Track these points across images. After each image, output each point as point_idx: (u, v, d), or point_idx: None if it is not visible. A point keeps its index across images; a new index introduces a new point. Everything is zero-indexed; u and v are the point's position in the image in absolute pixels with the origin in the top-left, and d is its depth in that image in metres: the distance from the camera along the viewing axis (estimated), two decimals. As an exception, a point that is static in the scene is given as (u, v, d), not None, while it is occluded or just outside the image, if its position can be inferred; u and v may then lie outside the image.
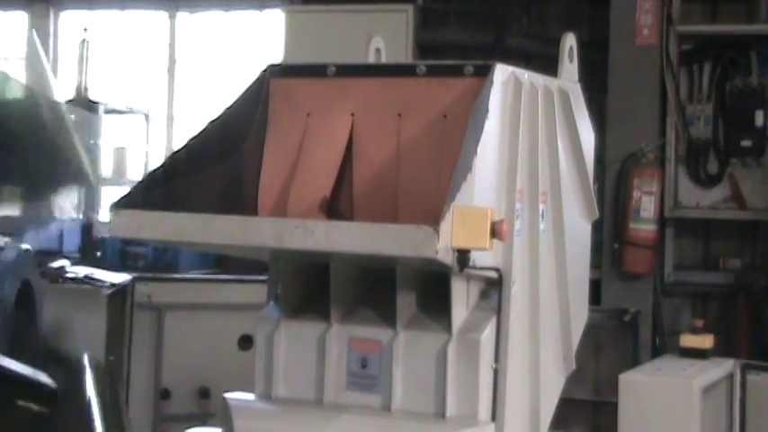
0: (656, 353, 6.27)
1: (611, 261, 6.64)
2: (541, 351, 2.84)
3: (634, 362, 5.90)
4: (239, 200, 2.85)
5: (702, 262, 6.98)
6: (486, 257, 2.48)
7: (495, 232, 2.38)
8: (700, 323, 4.94)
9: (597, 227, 3.73)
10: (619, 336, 6.27)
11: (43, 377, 3.54)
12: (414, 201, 2.72)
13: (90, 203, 7.84)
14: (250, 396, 2.88)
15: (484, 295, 2.71)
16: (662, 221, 6.72)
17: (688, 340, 4.81)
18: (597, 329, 5.94)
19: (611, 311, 6.36)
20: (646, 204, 6.56)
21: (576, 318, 3.06)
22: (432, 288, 2.68)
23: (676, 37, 6.72)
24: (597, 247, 6.35)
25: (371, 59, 3.21)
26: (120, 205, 2.71)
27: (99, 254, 7.44)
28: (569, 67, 3.08)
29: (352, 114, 2.90)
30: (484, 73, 2.64)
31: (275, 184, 2.89)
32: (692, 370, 4.52)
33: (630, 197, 6.58)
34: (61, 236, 7.34)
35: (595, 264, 6.05)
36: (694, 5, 6.95)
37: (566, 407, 3.08)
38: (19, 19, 8.74)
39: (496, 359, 2.65)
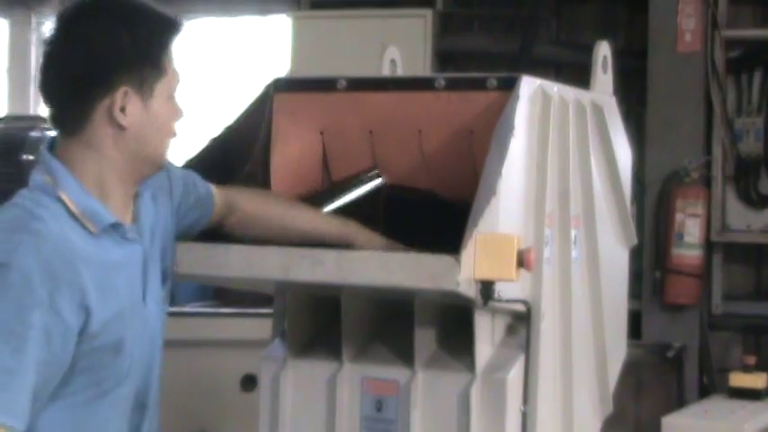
0: (704, 393, 6.26)
1: (653, 291, 6.63)
2: (575, 392, 2.85)
3: (679, 403, 5.90)
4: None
5: (754, 291, 6.95)
6: (512, 289, 2.49)
7: (522, 261, 2.40)
8: (752, 360, 4.95)
9: (636, 253, 3.73)
10: (661, 374, 6.26)
11: None
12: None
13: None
14: (254, 442, 2.90)
15: (510, 331, 2.72)
16: (708, 247, 6.70)
17: (739, 379, 4.82)
18: (637, 367, 5.93)
19: (653, 347, 6.35)
20: (690, 228, 6.55)
21: (614, 354, 3.07)
22: (453, 323, 2.70)
23: (723, 43, 6.71)
24: (637, 276, 6.35)
25: (386, 71, 3.24)
26: (110, 233, 2.73)
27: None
28: (603, 79, 3.10)
29: (371, 132, 2.93)
30: (509, 86, 2.66)
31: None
32: (743, 413, 4.53)
33: (673, 220, 6.57)
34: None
35: (635, 294, 6.05)
36: (743, 7, 6.94)
37: (602, 454, 3.09)
38: (-3, 27, 8.81)
39: (525, 401, 2.66)
